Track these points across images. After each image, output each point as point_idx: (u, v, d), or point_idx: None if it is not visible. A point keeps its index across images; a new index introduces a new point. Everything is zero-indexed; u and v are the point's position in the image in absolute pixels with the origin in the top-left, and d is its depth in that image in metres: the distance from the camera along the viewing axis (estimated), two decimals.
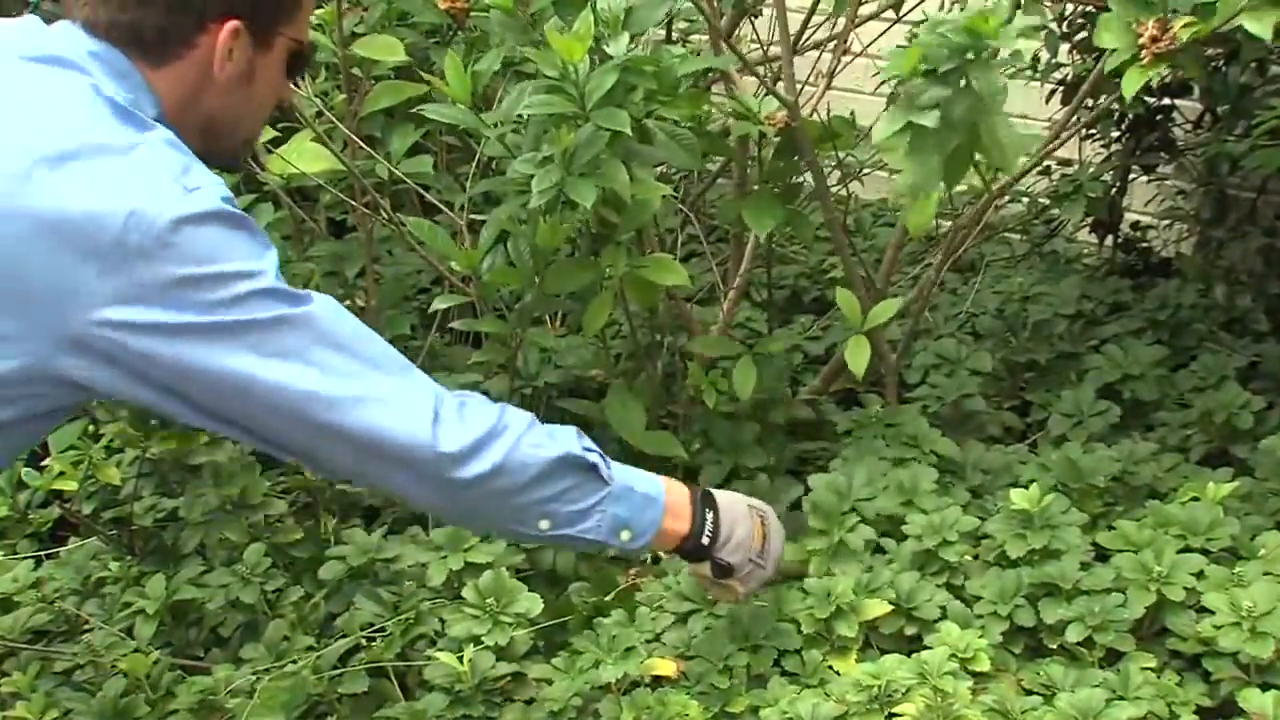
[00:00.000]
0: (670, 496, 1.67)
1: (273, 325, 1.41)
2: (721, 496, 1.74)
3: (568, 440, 1.59)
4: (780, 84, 2.16)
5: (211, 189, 1.40)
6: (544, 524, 1.60)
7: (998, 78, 1.71)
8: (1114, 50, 1.74)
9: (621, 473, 1.64)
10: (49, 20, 1.53)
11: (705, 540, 1.69)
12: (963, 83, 1.69)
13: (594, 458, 1.60)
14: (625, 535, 1.63)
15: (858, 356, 2.15)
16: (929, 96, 1.71)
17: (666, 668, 1.85)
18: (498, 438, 1.53)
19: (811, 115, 2.26)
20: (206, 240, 1.37)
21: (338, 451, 1.50)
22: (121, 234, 1.34)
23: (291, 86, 1.70)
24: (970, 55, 1.67)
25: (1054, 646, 1.85)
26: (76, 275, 1.34)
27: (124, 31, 1.48)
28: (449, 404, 1.52)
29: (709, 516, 1.69)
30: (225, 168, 1.77)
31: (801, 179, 2.28)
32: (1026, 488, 1.97)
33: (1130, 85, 1.71)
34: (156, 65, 1.49)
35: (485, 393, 2.55)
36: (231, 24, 1.50)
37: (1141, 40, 1.70)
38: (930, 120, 1.69)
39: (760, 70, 2.26)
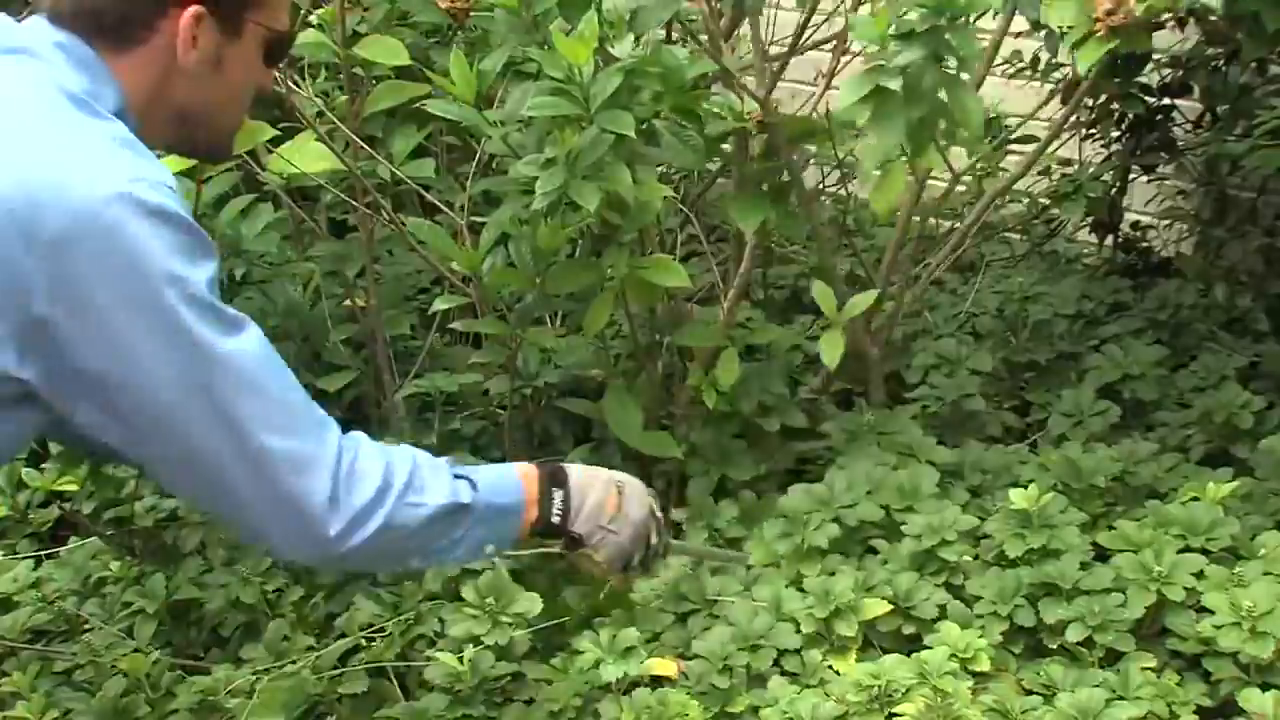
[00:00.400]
0: (526, 491, 1.68)
1: (190, 345, 1.39)
2: (574, 470, 1.74)
3: (441, 486, 1.59)
4: (751, 80, 2.15)
5: (156, 186, 1.39)
6: (413, 561, 1.66)
7: (974, 41, 1.70)
8: (1069, 28, 1.74)
9: (485, 487, 1.64)
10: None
11: (555, 519, 1.70)
12: (937, 47, 1.68)
13: (464, 495, 1.60)
14: (489, 549, 1.68)
15: (831, 350, 2.13)
16: (899, 60, 1.69)
17: (666, 668, 1.85)
18: (380, 507, 1.52)
19: (811, 114, 2.26)
20: (142, 236, 1.36)
21: (215, 489, 1.48)
22: (60, 223, 1.33)
23: (274, 75, 1.68)
24: (946, 18, 1.66)
25: (1054, 646, 1.85)
26: (21, 265, 1.34)
27: (86, 19, 1.47)
28: (344, 467, 1.50)
29: (557, 496, 1.70)
30: (210, 159, 1.75)
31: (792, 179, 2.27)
32: (1026, 488, 1.97)
33: (1087, 58, 1.70)
34: (119, 52, 1.48)
35: (485, 392, 2.57)
36: (193, 9, 1.49)
37: (1097, 15, 1.70)
38: (896, 84, 1.67)
39: (762, 70, 2.26)
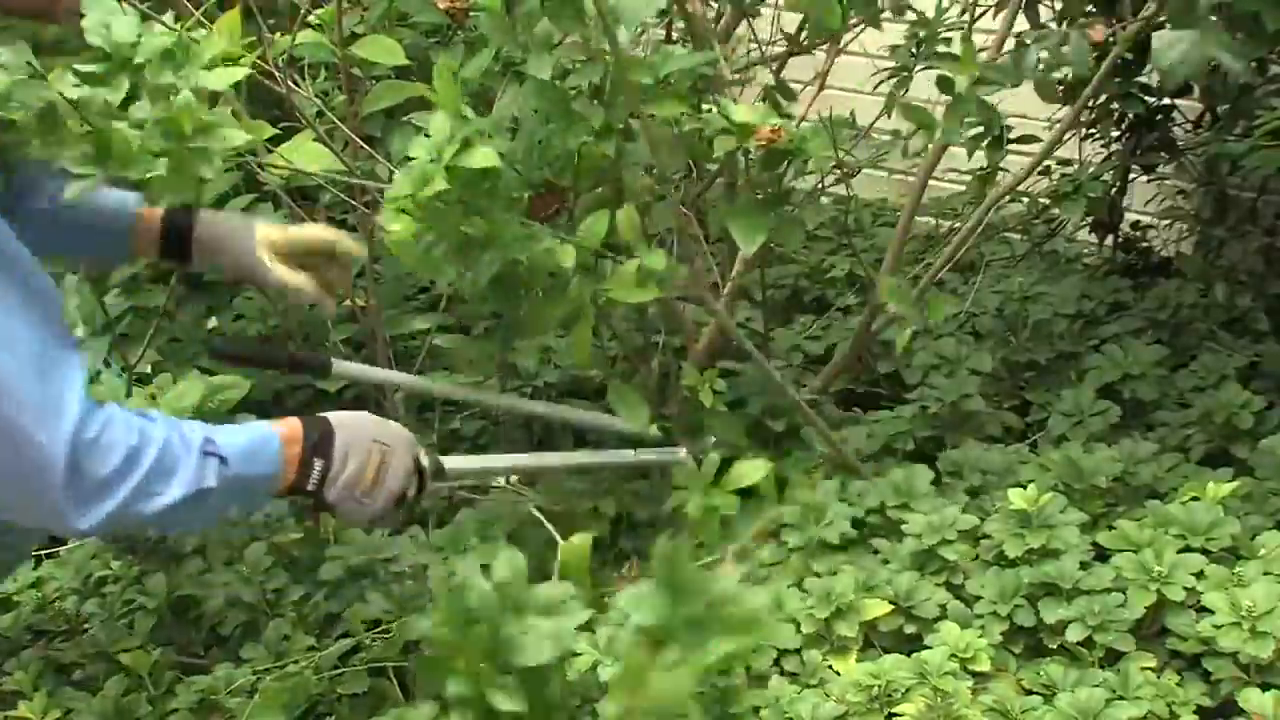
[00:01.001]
0: (285, 459, 1.66)
1: None
2: (342, 430, 1.71)
3: (186, 472, 1.56)
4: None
5: None
6: (150, 531, 1.68)
7: None
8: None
9: (239, 458, 1.61)
10: None
11: (310, 487, 1.68)
12: None
13: (209, 479, 1.57)
14: (231, 513, 1.72)
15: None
16: None
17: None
18: (119, 490, 1.50)
19: (809, 116, 2.26)
20: None
21: None
22: None
23: None
24: None
25: (1054, 646, 1.85)
26: None
27: None
28: (89, 432, 1.49)
29: (317, 466, 1.68)
30: (37, 17, 1.66)
31: (792, 185, 2.26)
32: (1025, 488, 1.97)
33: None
34: None
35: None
36: None
37: None
38: None
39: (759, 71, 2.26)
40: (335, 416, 1.73)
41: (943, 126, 2.06)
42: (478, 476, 2.11)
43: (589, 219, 1.99)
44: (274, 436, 1.67)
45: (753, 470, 1.87)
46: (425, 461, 1.82)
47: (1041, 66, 2.04)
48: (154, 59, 1.60)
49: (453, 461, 1.92)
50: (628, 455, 2.16)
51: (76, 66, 1.57)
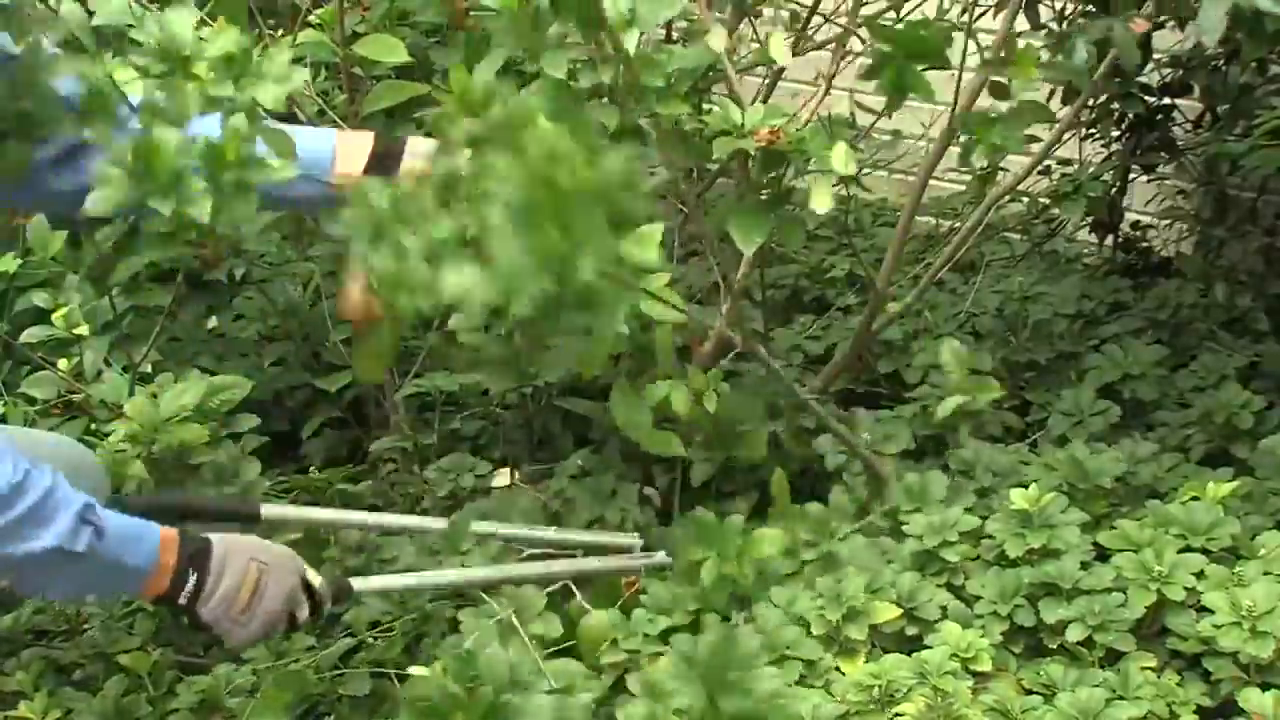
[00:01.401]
0: (161, 561, 1.65)
1: None
2: (219, 548, 1.70)
3: (59, 527, 1.55)
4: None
5: None
6: (8, 581, 1.68)
7: None
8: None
9: (115, 540, 1.61)
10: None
11: (183, 601, 1.67)
12: None
13: (79, 544, 1.56)
14: (90, 597, 1.76)
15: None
16: None
17: None
18: None
19: (813, 116, 2.25)
20: None
21: None
22: None
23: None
24: None
25: (1054, 646, 1.85)
26: None
27: None
28: None
29: (191, 579, 1.67)
30: None
31: (793, 185, 2.26)
32: (1028, 488, 1.97)
33: None
34: None
35: (485, 392, 2.57)
36: None
37: None
38: None
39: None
40: (216, 535, 1.72)
41: (1001, 135, 2.05)
42: (404, 593, 2.03)
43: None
44: (156, 533, 1.66)
45: (768, 542, 1.88)
46: (317, 583, 1.79)
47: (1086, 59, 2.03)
48: (214, 66, 1.43)
49: (365, 582, 1.89)
50: (591, 563, 2.06)
51: (135, 60, 1.42)
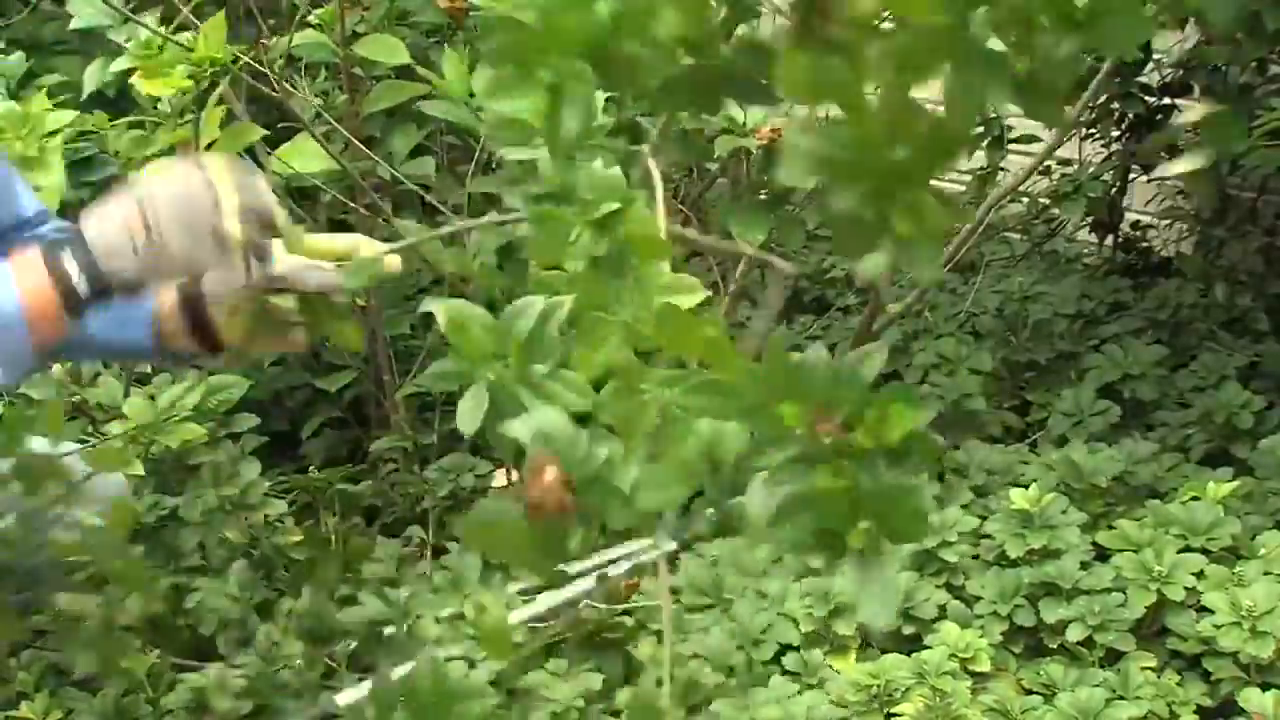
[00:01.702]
0: (17, 272, 1.32)
1: None
2: (88, 218, 1.33)
3: None
4: None
5: None
6: None
7: None
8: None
9: None
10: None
11: (81, 284, 1.31)
12: None
13: None
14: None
15: None
16: None
17: None
18: None
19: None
20: None
21: None
22: None
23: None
24: None
25: (1054, 646, 1.85)
26: None
27: None
28: None
29: (65, 254, 1.32)
30: None
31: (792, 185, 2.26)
32: (1028, 488, 1.97)
33: None
34: None
35: None
36: None
37: None
38: None
39: None
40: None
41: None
42: None
43: None
44: (6, 267, 1.33)
45: None
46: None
47: None
48: None
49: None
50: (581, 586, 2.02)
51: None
